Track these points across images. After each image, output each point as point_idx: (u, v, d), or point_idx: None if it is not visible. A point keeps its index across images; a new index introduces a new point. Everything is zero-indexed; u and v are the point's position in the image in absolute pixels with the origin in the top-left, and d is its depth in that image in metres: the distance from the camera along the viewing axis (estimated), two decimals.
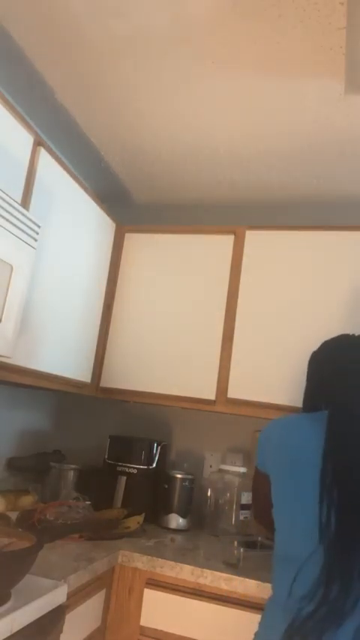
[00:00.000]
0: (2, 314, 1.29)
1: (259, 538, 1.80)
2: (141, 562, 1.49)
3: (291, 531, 1.13)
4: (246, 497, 1.92)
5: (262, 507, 1.30)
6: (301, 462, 1.14)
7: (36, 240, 1.39)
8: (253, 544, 1.76)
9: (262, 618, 1.16)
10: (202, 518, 1.96)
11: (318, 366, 1.34)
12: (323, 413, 1.18)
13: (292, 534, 1.12)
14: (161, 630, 1.46)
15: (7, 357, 1.36)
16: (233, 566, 1.47)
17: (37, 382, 1.66)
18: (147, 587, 1.49)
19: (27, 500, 1.77)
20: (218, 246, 2.02)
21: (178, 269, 2.05)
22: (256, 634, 1.15)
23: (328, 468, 1.08)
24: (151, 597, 1.48)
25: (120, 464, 1.95)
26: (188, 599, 1.45)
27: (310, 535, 1.06)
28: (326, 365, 1.31)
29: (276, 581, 1.15)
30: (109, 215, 2.06)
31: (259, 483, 1.29)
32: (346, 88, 1.56)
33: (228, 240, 2.01)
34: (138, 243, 2.14)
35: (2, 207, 1.23)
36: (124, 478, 1.92)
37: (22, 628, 1.01)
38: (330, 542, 1.02)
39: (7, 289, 1.30)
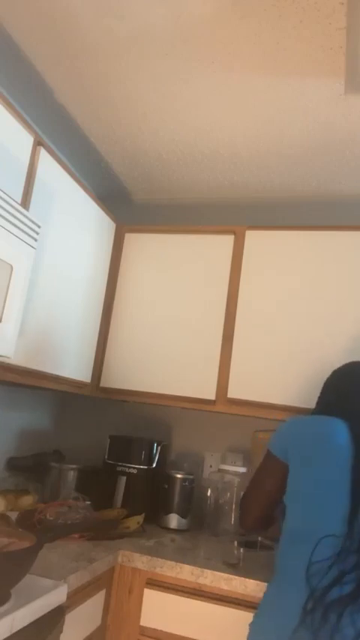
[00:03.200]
0: (2, 314, 1.29)
1: (259, 538, 1.80)
2: (141, 562, 1.49)
3: (310, 510, 1.20)
4: None
5: (265, 494, 1.37)
6: (335, 454, 1.23)
7: (36, 240, 1.39)
8: (253, 544, 1.76)
9: (265, 598, 1.20)
10: (202, 518, 1.95)
11: (331, 395, 1.45)
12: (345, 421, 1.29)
13: (311, 513, 1.20)
14: (161, 630, 1.46)
15: (7, 357, 1.36)
16: (233, 566, 1.47)
17: (37, 382, 1.66)
18: (147, 587, 1.49)
19: (27, 501, 1.77)
20: (218, 246, 2.02)
21: (178, 269, 2.05)
22: (256, 615, 1.19)
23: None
24: (151, 597, 1.48)
25: (120, 464, 1.94)
26: (188, 599, 1.45)
27: (334, 517, 1.15)
28: (340, 392, 1.43)
29: (285, 556, 1.21)
30: (109, 215, 2.06)
31: (271, 470, 1.36)
32: (346, 88, 1.56)
33: (228, 240, 2.01)
34: (138, 243, 2.13)
35: (2, 207, 1.23)
36: (124, 478, 1.92)
37: (22, 628, 1.01)
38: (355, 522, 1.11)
39: (7, 289, 1.30)
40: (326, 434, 1.28)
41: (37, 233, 1.39)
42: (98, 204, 1.96)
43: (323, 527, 1.15)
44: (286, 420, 1.41)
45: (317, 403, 1.48)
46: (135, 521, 1.72)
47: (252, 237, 1.98)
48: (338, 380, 1.46)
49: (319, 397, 1.49)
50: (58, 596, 1.14)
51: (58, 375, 1.74)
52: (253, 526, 1.41)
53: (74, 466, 2.00)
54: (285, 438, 1.35)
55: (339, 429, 1.26)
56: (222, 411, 1.90)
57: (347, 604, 1.02)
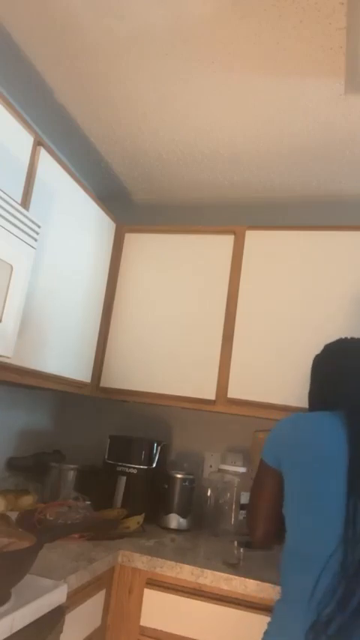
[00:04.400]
0: (2, 314, 1.29)
1: None
2: (141, 562, 1.49)
3: (313, 529, 1.11)
4: (246, 497, 1.92)
5: (265, 507, 1.26)
6: (326, 460, 1.14)
7: (36, 240, 1.39)
8: (254, 544, 1.76)
9: (273, 618, 1.14)
10: (202, 518, 1.95)
11: (323, 368, 1.36)
12: (338, 412, 1.19)
13: (314, 532, 1.11)
14: (161, 630, 1.46)
15: (7, 357, 1.36)
16: (233, 566, 1.47)
17: (37, 382, 1.66)
18: (147, 587, 1.49)
19: (27, 501, 1.77)
20: (218, 246, 2.02)
21: (178, 269, 2.05)
22: (266, 633, 1.14)
23: (356, 470, 1.09)
24: (151, 597, 1.48)
25: (120, 464, 1.94)
26: (188, 599, 1.45)
27: (332, 535, 1.06)
28: (332, 366, 1.33)
29: (289, 579, 1.14)
30: (109, 215, 2.06)
31: (267, 481, 1.26)
32: (346, 88, 1.56)
33: (228, 240, 2.01)
34: (138, 243, 2.13)
35: (2, 207, 1.23)
36: (124, 478, 1.92)
37: (22, 628, 1.01)
38: (353, 542, 1.03)
39: (7, 289, 1.30)
40: (317, 437, 1.17)
41: (37, 233, 1.39)
42: (98, 204, 1.96)
43: (322, 549, 1.06)
44: (278, 421, 1.30)
45: (310, 391, 1.37)
46: (135, 521, 1.72)
47: (252, 237, 1.98)
48: (330, 361, 1.35)
49: (311, 382, 1.38)
50: (58, 596, 1.14)
51: (58, 375, 1.74)
52: (265, 540, 1.28)
53: (74, 466, 2.00)
54: (275, 445, 1.25)
55: (332, 429, 1.16)
56: (222, 411, 1.90)
57: (352, 633, 0.96)
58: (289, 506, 1.19)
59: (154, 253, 2.10)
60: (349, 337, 1.38)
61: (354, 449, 1.11)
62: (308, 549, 1.11)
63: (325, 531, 1.09)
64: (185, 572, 1.45)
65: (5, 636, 0.96)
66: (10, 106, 1.40)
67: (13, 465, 1.97)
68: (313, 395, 1.36)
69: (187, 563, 1.46)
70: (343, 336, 1.40)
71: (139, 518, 1.74)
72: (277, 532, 1.25)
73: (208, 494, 1.96)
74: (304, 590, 1.06)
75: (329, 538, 1.07)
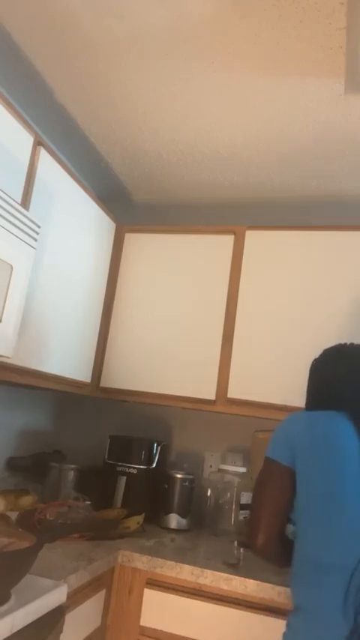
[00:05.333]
0: (2, 314, 1.29)
1: None
2: (141, 562, 1.49)
3: (331, 537, 1.06)
4: (246, 498, 1.92)
5: (272, 510, 1.16)
6: (345, 460, 1.10)
7: (36, 240, 1.39)
8: (254, 553, 1.76)
9: (288, 629, 1.08)
10: (202, 518, 1.95)
11: (322, 373, 1.35)
12: (342, 412, 1.18)
13: (333, 540, 1.06)
14: (161, 630, 1.46)
15: (7, 357, 1.36)
16: (233, 566, 1.47)
17: (37, 382, 1.66)
18: (147, 587, 1.49)
19: (27, 501, 1.77)
20: (218, 246, 2.02)
21: (178, 269, 2.05)
22: None
23: None
24: (151, 597, 1.48)
25: (120, 464, 1.94)
26: (188, 599, 1.45)
27: (356, 541, 1.02)
28: (330, 371, 1.33)
29: (307, 590, 1.07)
30: (109, 215, 2.06)
31: (275, 480, 1.17)
32: (346, 88, 1.56)
33: (228, 240, 2.01)
34: (138, 243, 2.13)
35: (2, 207, 1.23)
36: (124, 478, 1.92)
37: (22, 628, 1.01)
38: None
39: (7, 289, 1.30)
40: (335, 436, 1.13)
41: (37, 233, 1.39)
42: (98, 204, 1.96)
43: (349, 554, 1.02)
44: (283, 420, 1.26)
45: (307, 392, 1.35)
46: (135, 521, 1.72)
47: (252, 237, 1.98)
48: (328, 365, 1.33)
49: (309, 385, 1.35)
50: (58, 596, 1.14)
51: (58, 375, 1.74)
52: (266, 550, 1.17)
53: (74, 466, 2.00)
54: (288, 442, 1.18)
55: (347, 429, 1.12)
56: (222, 411, 1.90)
57: None
58: (303, 507, 1.13)
59: (154, 253, 2.10)
60: (347, 343, 1.38)
61: None
62: (329, 556, 1.06)
63: (347, 537, 1.05)
64: (185, 572, 1.45)
65: (5, 636, 0.96)
66: (10, 106, 1.40)
67: (13, 465, 1.97)
68: (310, 398, 1.35)
69: (187, 563, 1.46)
70: (342, 342, 1.40)
71: (139, 518, 1.74)
72: (282, 541, 1.17)
73: (208, 494, 1.96)
74: (332, 600, 1.01)
75: (353, 544, 1.03)
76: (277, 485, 1.16)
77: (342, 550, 1.04)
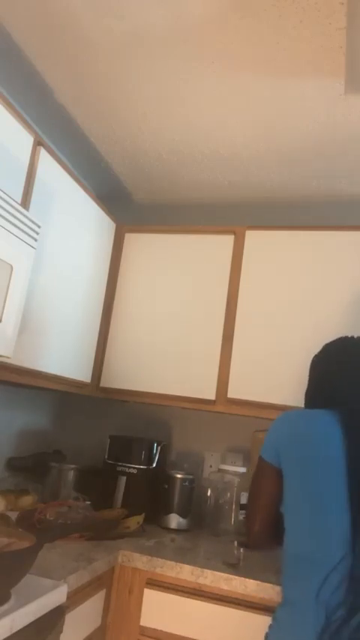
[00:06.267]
0: (2, 314, 1.29)
1: None
2: (141, 562, 1.49)
3: (317, 531, 1.09)
4: (246, 497, 1.92)
5: (263, 505, 1.26)
6: (325, 459, 1.12)
7: (36, 240, 1.39)
8: (250, 544, 1.76)
9: (275, 622, 1.12)
10: (202, 518, 1.95)
11: (322, 367, 1.35)
12: (334, 411, 1.18)
13: (318, 534, 1.09)
14: (161, 630, 1.46)
15: (7, 357, 1.36)
16: (233, 566, 1.47)
17: (37, 382, 1.66)
18: (147, 587, 1.49)
19: (27, 501, 1.77)
20: (218, 246, 2.02)
21: (178, 269, 2.05)
22: (266, 636, 1.12)
23: (355, 473, 1.07)
24: (151, 597, 1.48)
25: (120, 464, 1.94)
26: (188, 599, 1.45)
27: (339, 539, 1.05)
28: (331, 365, 1.32)
29: (293, 584, 1.11)
30: (109, 215, 2.06)
31: (265, 479, 1.25)
32: (346, 88, 1.56)
33: (228, 240, 2.01)
34: (138, 243, 2.14)
35: (2, 207, 1.23)
36: (124, 478, 1.92)
37: (22, 628, 1.01)
38: None
39: (7, 289, 1.30)
40: (313, 435, 1.15)
41: (37, 233, 1.39)
42: (98, 204, 1.96)
43: (327, 552, 1.05)
44: (275, 419, 1.29)
45: (307, 390, 1.36)
46: (135, 521, 1.72)
47: (252, 237, 1.98)
48: (328, 360, 1.33)
49: (309, 381, 1.36)
50: (58, 596, 1.14)
51: (58, 375, 1.74)
52: (260, 540, 1.28)
53: (74, 466, 2.00)
54: (273, 442, 1.23)
55: (327, 427, 1.14)
56: (222, 411, 1.90)
57: None
58: (289, 505, 1.17)
59: (154, 253, 2.10)
60: (349, 335, 1.37)
61: (353, 450, 1.10)
62: (312, 552, 1.09)
63: (329, 534, 1.07)
64: (185, 572, 1.45)
65: (5, 636, 0.96)
66: (10, 106, 1.40)
67: (13, 465, 1.97)
68: (308, 394, 1.35)
69: (187, 563, 1.46)
70: (344, 335, 1.38)
71: (139, 518, 1.74)
72: (275, 532, 1.24)
73: (208, 494, 1.96)
74: (309, 593, 1.04)
75: (335, 542, 1.05)
76: (267, 482, 1.25)
77: (324, 545, 1.07)
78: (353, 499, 1.06)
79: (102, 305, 2.06)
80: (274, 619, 1.14)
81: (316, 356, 1.39)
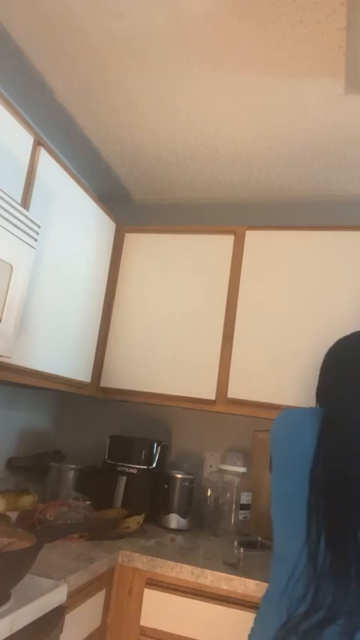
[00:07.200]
0: (2, 314, 1.29)
1: (259, 538, 1.80)
2: (141, 562, 1.49)
3: (284, 530, 1.12)
4: (246, 498, 1.92)
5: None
6: (295, 458, 1.12)
7: (36, 240, 1.39)
8: (253, 544, 1.76)
9: (257, 614, 1.16)
10: (202, 518, 1.95)
11: (327, 361, 1.32)
12: (320, 408, 1.18)
13: (284, 533, 1.12)
14: (161, 630, 1.46)
15: (7, 357, 1.36)
16: (233, 566, 1.47)
17: (37, 382, 1.66)
18: (147, 587, 1.49)
19: (27, 501, 1.77)
20: (218, 246, 2.02)
21: (178, 269, 2.05)
22: (252, 629, 1.15)
23: (318, 470, 1.06)
24: (151, 597, 1.48)
25: (120, 464, 1.95)
26: (188, 599, 1.45)
27: (300, 535, 1.05)
28: (334, 360, 1.30)
29: (271, 579, 1.15)
30: (109, 215, 2.06)
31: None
32: (346, 88, 1.56)
33: (228, 240, 2.01)
34: (138, 243, 2.14)
35: (2, 207, 1.23)
36: (124, 478, 1.92)
37: (22, 628, 1.01)
38: (315, 544, 1.01)
39: (7, 289, 1.30)
40: (296, 435, 1.15)
41: (37, 233, 1.39)
42: (98, 204, 1.96)
43: (291, 549, 1.07)
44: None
45: (318, 382, 1.33)
46: (135, 521, 1.72)
47: (252, 237, 1.98)
48: (332, 355, 1.30)
49: (318, 377, 1.33)
50: (58, 596, 1.14)
51: (58, 375, 1.74)
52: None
53: (74, 466, 2.00)
54: (270, 442, 1.24)
55: (303, 426, 1.13)
56: (222, 411, 1.90)
57: (316, 636, 0.95)
58: (272, 505, 1.19)
59: (154, 253, 2.10)
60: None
61: (319, 445, 1.08)
62: (281, 550, 1.11)
63: (292, 531, 1.08)
64: (185, 572, 1.45)
65: (5, 636, 0.96)
66: (10, 106, 1.40)
67: (13, 465, 1.98)
68: (317, 391, 1.33)
69: (187, 563, 1.46)
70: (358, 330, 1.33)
71: (139, 518, 1.74)
72: None
73: (208, 494, 1.96)
74: (278, 589, 1.07)
75: (296, 538, 1.06)
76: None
77: (289, 542, 1.09)
78: (311, 495, 1.05)
79: (102, 305, 2.06)
80: (257, 611, 1.17)
81: (329, 350, 1.34)
